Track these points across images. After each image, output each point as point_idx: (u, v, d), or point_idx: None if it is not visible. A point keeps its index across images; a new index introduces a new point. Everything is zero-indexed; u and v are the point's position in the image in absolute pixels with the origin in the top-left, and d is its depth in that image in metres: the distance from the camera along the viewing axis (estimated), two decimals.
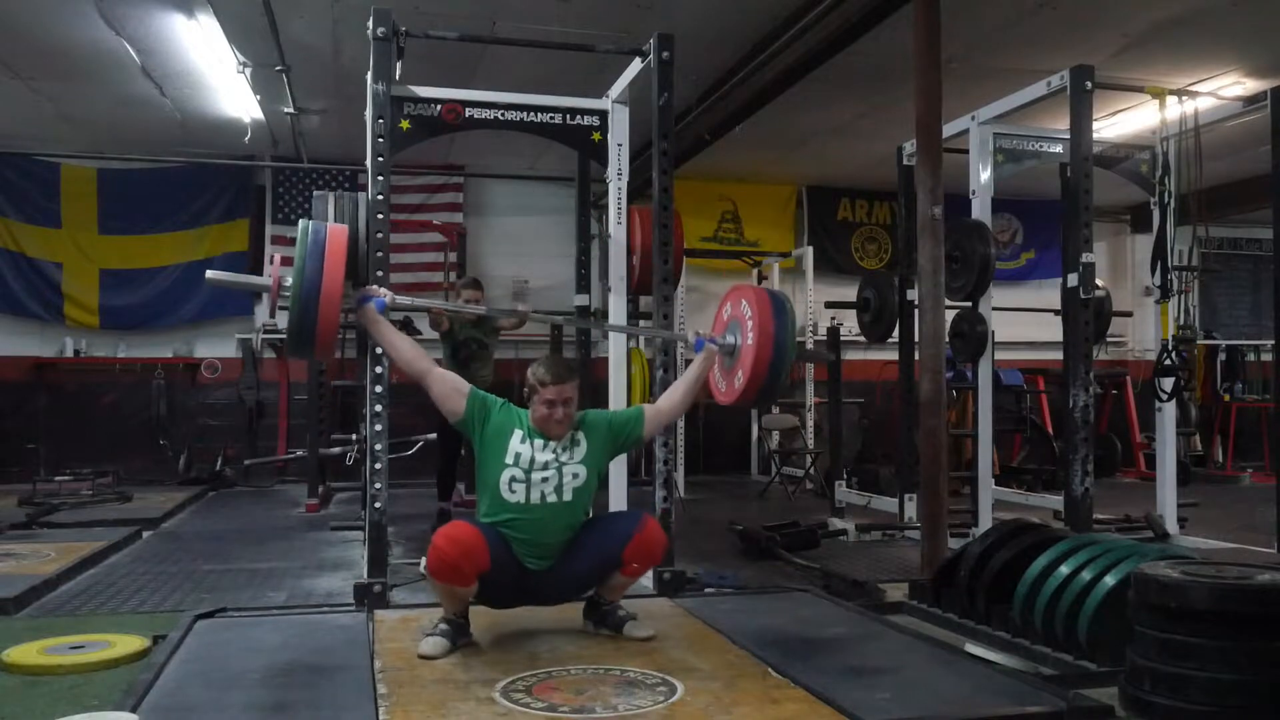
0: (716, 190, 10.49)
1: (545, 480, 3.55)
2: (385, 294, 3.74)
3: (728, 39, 6.51)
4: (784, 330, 3.76)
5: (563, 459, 3.58)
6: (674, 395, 3.96)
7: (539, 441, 3.57)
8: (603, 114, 4.91)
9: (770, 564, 5.54)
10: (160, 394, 9.52)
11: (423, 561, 5.05)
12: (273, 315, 3.80)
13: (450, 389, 3.66)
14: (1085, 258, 5.32)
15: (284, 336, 9.63)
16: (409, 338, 3.84)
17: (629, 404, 5.02)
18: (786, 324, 3.78)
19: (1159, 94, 6.06)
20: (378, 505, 4.35)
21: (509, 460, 3.55)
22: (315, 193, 4.76)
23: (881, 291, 7.30)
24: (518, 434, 3.58)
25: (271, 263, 3.89)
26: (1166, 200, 6.09)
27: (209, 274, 3.78)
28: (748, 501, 8.53)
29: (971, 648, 3.72)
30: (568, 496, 3.58)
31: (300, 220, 3.63)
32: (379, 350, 4.28)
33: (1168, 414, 6.35)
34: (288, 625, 3.94)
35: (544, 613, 3.95)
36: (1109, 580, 3.34)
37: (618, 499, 5.00)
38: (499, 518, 3.55)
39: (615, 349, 5.25)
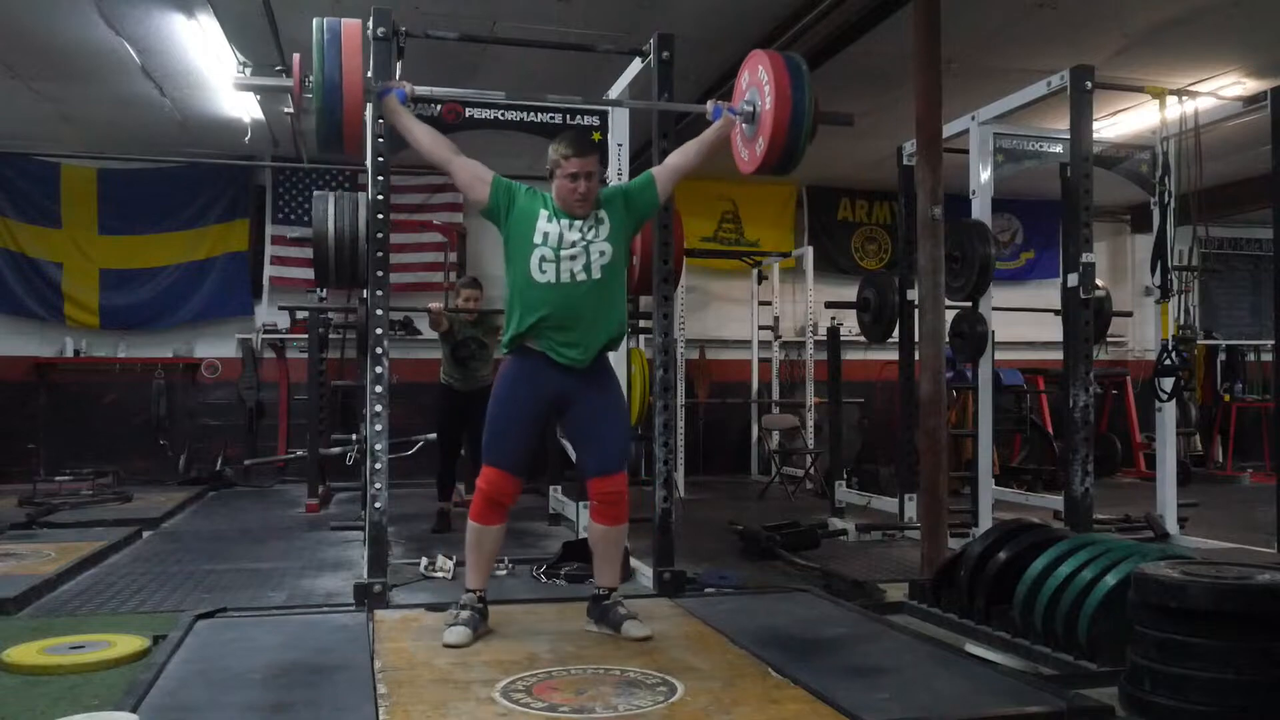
0: (716, 190, 10.48)
1: (574, 259, 3.59)
2: (406, 85, 3.84)
3: (728, 39, 6.51)
4: (801, 90, 3.77)
5: (589, 237, 3.62)
6: (686, 152, 3.95)
7: (565, 221, 3.62)
8: (603, 114, 4.91)
9: (770, 564, 5.54)
10: (160, 394, 9.52)
11: (423, 561, 5.13)
12: (297, 115, 3.84)
13: (473, 177, 3.73)
14: (1085, 258, 5.32)
15: (284, 337, 9.78)
16: (430, 126, 3.88)
17: (630, 405, 5.02)
18: (804, 84, 3.79)
19: (1159, 94, 6.06)
20: (378, 505, 4.35)
21: (537, 240, 3.60)
22: (315, 193, 4.76)
23: (881, 291, 7.30)
24: (544, 214, 3.64)
25: (291, 71, 3.94)
26: (1166, 200, 6.09)
27: (235, 79, 3.89)
28: (748, 501, 8.52)
29: (971, 648, 3.72)
30: (596, 274, 3.61)
31: (314, 19, 3.68)
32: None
33: (1168, 414, 6.34)
34: (288, 625, 3.93)
35: (544, 612, 3.96)
36: (1109, 580, 3.34)
37: None
38: (530, 313, 3.57)
39: None
